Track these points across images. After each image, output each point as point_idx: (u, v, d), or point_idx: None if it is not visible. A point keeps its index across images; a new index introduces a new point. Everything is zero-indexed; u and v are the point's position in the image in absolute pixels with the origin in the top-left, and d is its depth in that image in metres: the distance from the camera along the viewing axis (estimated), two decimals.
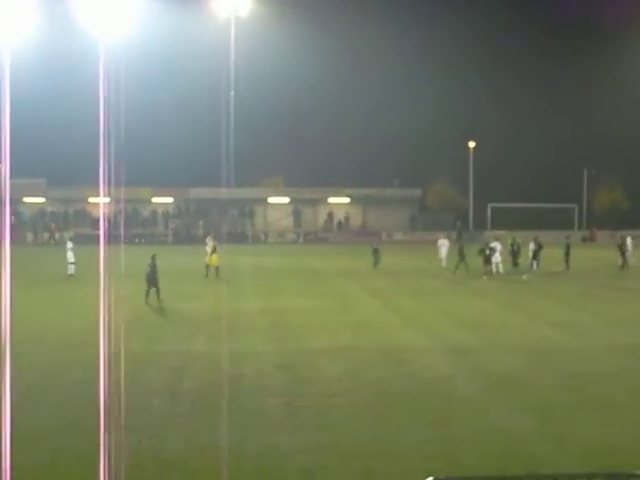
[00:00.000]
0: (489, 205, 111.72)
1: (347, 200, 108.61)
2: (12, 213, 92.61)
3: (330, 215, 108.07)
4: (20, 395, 20.46)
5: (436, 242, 66.25)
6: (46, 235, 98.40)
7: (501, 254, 58.77)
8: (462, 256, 57.83)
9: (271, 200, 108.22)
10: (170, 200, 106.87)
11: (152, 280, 43.13)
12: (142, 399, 22.67)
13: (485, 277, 55.29)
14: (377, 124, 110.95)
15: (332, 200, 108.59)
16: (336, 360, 28.44)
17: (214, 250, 55.84)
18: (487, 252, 57.09)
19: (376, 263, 62.84)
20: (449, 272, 58.45)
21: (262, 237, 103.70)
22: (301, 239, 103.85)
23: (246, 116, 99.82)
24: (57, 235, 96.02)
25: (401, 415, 21.45)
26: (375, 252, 63.75)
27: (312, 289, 49.66)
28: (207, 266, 55.56)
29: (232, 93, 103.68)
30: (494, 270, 57.16)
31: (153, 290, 42.85)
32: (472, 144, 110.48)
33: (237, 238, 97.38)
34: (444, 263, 62.69)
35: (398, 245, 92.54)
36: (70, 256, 57.09)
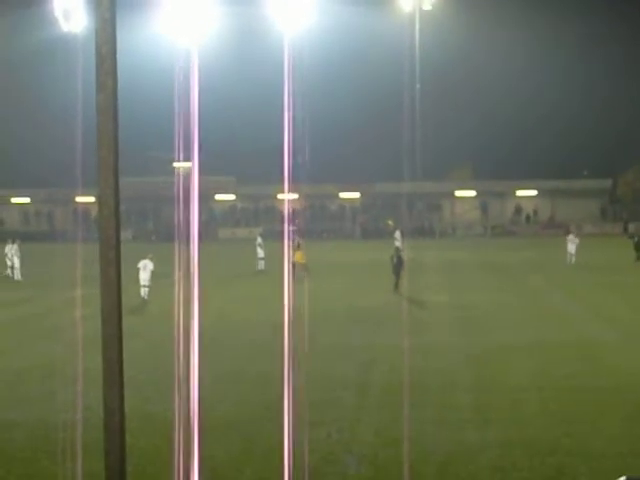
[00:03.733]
0: None
1: (535, 193, 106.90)
2: (204, 210, 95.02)
3: (517, 208, 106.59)
4: (210, 387, 20.97)
5: (629, 234, 64.18)
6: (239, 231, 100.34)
7: None
8: None
9: (458, 193, 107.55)
10: (357, 195, 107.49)
11: (396, 271, 44.36)
12: (331, 392, 22.88)
13: None
14: (563, 114, 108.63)
15: (520, 193, 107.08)
16: (525, 355, 28.06)
17: (299, 247, 52.00)
18: None
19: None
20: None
21: (449, 231, 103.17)
22: (488, 233, 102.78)
23: (431, 109, 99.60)
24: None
25: (593, 411, 20.97)
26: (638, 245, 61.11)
27: (499, 283, 49.11)
28: (301, 265, 50.37)
29: (418, 86, 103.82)
30: None
31: (396, 282, 44.16)
32: None
33: (424, 232, 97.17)
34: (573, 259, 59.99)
35: (588, 238, 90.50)
36: (260, 252, 58.25)
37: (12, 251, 55.15)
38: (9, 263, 55.49)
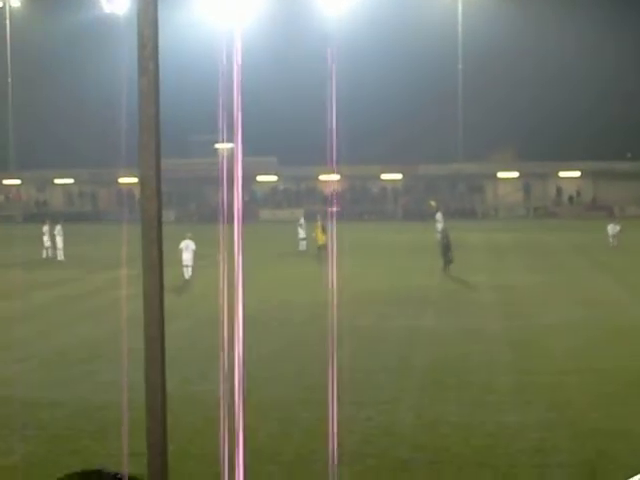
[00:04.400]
0: None
1: (578, 174, 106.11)
2: (246, 191, 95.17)
3: (559, 190, 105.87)
4: (253, 368, 21.09)
5: None
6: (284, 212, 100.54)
7: None
8: None
9: (500, 175, 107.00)
10: (399, 177, 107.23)
11: (444, 252, 44.98)
12: (372, 374, 22.96)
13: None
14: (608, 97, 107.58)
15: (562, 174, 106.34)
16: (566, 337, 27.98)
17: (323, 229, 52.33)
18: None
19: None
20: None
21: (491, 213, 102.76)
22: (531, 214, 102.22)
23: (475, 91, 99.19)
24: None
25: (634, 393, 20.89)
26: None
27: (541, 264, 48.89)
28: (319, 247, 51.76)
29: (460, 67, 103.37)
30: None
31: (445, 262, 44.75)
32: None
33: (465, 214, 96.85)
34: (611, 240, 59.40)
35: (632, 220, 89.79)
36: (301, 233, 58.44)
37: (54, 232, 55.41)
38: (47, 244, 55.59)
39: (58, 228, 55.40)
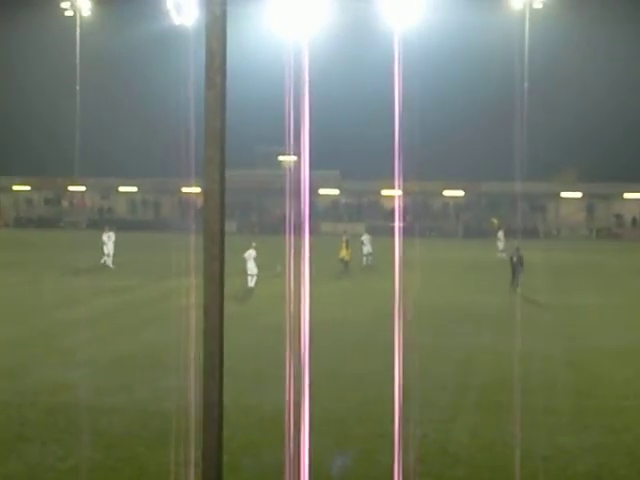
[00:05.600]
0: None
1: None
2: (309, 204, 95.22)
3: (622, 211, 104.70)
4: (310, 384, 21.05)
5: None
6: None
7: None
8: None
9: (564, 195, 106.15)
10: (461, 193, 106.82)
11: (515, 270, 44.81)
12: (429, 392, 22.83)
13: None
14: None
15: (627, 196, 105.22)
16: (628, 361, 27.63)
17: (347, 245, 54.13)
18: None
19: None
20: None
21: (553, 232, 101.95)
22: (593, 235, 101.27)
23: (540, 108, 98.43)
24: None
25: None
26: None
27: (603, 286, 48.35)
28: (341, 260, 53.54)
29: (526, 85, 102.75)
30: None
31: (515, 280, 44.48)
32: None
33: (528, 233, 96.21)
34: None
35: None
36: (366, 248, 58.09)
37: (103, 238, 54.90)
38: (106, 251, 55.12)
39: (110, 234, 55.19)
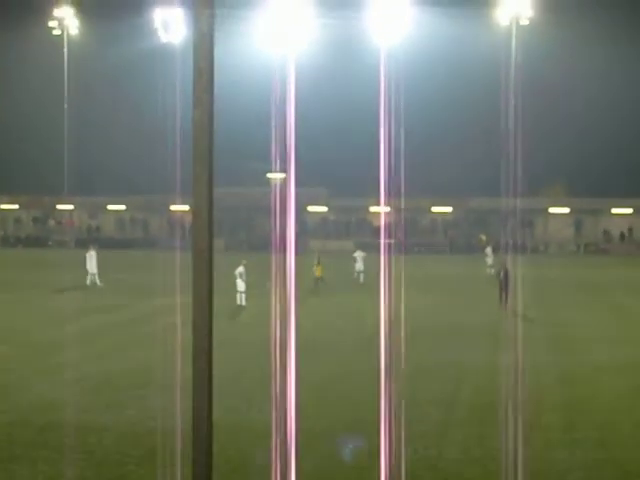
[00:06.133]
0: None
1: (630, 211, 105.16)
2: (296, 221, 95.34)
3: (610, 226, 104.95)
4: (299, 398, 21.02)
5: None
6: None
7: None
8: None
9: (552, 210, 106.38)
10: (449, 209, 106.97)
11: (503, 286, 44.81)
12: (419, 408, 22.79)
13: None
14: None
15: (614, 211, 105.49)
16: (617, 375, 27.65)
17: (319, 262, 54.74)
18: None
19: None
20: None
21: (541, 248, 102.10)
22: (581, 250, 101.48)
23: (526, 125, 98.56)
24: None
25: None
26: None
27: (593, 301, 48.45)
28: (316, 278, 53.93)
29: (513, 101, 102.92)
30: None
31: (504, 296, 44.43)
32: None
33: (515, 248, 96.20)
34: None
35: None
36: (358, 265, 58.27)
37: (86, 255, 54.50)
38: (90, 270, 54.56)
39: (92, 253, 54.99)
